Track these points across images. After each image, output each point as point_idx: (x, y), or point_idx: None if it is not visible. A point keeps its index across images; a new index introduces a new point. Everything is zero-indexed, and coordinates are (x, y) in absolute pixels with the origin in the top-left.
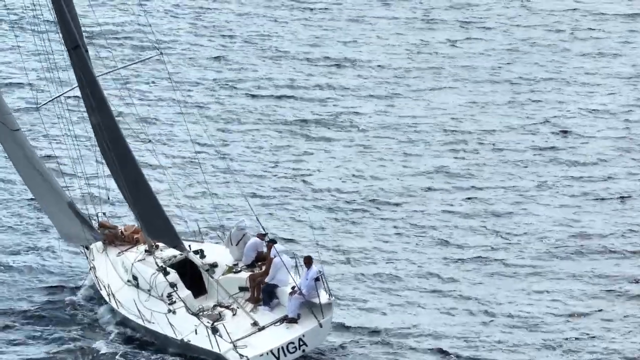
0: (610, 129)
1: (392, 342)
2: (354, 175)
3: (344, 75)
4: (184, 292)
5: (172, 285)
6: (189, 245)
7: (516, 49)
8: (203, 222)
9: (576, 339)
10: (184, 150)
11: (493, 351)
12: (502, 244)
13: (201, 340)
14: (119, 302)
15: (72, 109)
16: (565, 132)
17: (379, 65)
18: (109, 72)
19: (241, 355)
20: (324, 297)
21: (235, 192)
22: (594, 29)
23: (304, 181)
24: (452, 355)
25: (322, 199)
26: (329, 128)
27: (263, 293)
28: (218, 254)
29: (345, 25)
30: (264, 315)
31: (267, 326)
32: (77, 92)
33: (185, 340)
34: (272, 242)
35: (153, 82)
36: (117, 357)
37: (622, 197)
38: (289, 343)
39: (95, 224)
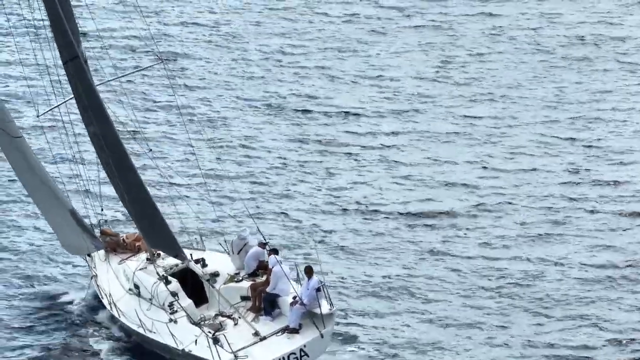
0: None
1: (393, 353)
2: (380, 189)
3: (362, 89)
4: (186, 301)
5: (174, 294)
6: (191, 254)
7: (545, 63)
8: (204, 231)
9: None
10: (184, 159)
11: None
12: (535, 267)
13: (202, 350)
14: (120, 311)
15: (71, 118)
16: (598, 149)
17: (403, 79)
18: (110, 80)
19: None
20: (325, 308)
21: (237, 203)
22: (621, 43)
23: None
24: None
25: (331, 210)
26: (332, 142)
27: (264, 302)
28: (220, 262)
29: (367, 37)
30: (266, 325)
31: (269, 336)
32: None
33: (187, 350)
34: (274, 251)
35: (155, 91)
36: None
37: None
38: (291, 353)
39: (97, 232)
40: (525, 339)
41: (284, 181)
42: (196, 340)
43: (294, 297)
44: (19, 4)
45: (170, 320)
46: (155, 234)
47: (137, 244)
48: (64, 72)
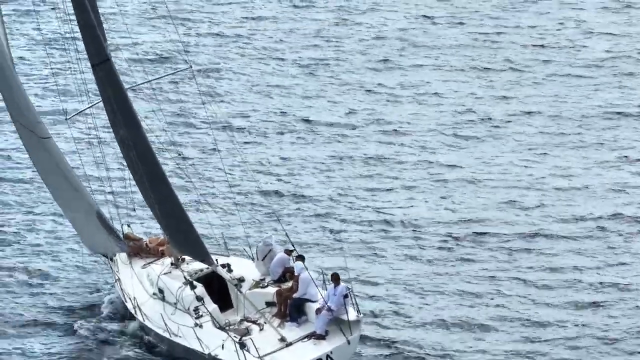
0: None
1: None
2: (419, 205)
3: (404, 104)
4: (211, 306)
5: (199, 299)
6: (216, 259)
7: (589, 77)
8: (229, 237)
9: None
10: (212, 164)
11: None
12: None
13: (229, 354)
14: (144, 315)
15: (100, 122)
16: None
17: (446, 94)
18: (139, 85)
19: None
20: (352, 314)
21: (263, 210)
22: None
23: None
24: None
25: (365, 221)
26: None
27: (290, 308)
28: (244, 268)
29: (405, 50)
30: (291, 331)
31: (295, 342)
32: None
33: (213, 354)
34: (300, 258)
35: (183, 98)
36: None
37: None
38: (317, 359)
39: (120, 236)
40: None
41: (313, 191)
42: (223, 345)
43: (321, 304)
44: (51, 8)
45: (196, 324)
46: (183, 239)
47: (160, 248)
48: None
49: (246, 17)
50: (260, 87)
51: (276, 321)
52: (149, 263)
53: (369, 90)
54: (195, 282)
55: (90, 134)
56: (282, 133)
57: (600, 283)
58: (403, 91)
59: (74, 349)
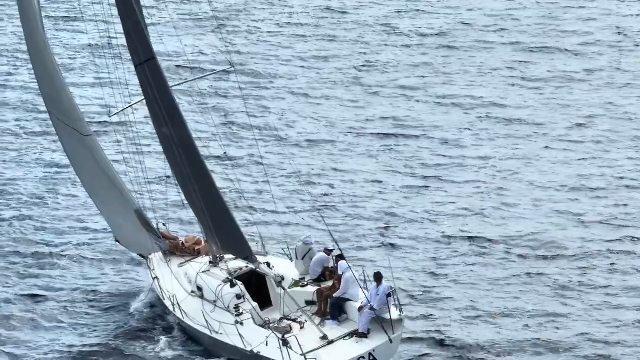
0: None
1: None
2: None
3: (453, 110)
4: (251, 304)
5: (239, 296)
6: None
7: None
8: (267, 237)
9: None
10: (253, 163)
11: None
12: None
13: (272, 351)
14: (184, 312)
15: (143, 119)
16: None
17: (493, 100)
18: (183, 83)
19: None
20: (395, 313)
21: (305, 208)
22: None
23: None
24: None
25: (416, 226)
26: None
27: (332, 307)
28: (284, 267)
29: (450, 55)
30: (333, 330)
31: (337, 340)
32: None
33: (255, 351)
34: (341, 257)
35: (225, 96)
36: None
37: None
38: (360, 357)
39: (159, 234)
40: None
41: (356, 192)
42: (266, 342)
43: (363, 303)
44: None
45: (236, 322)
46: (226, 237)
47: (196, 247)
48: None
49: (287, 23)
50: (301, 90)
51: (317, 320)
52: (186, 262)
53: (413, 97)
54: (235, 280)
55: (132, 132)
56: (323, 135)
57: None
58: (451, 98)
59: (112, 345)
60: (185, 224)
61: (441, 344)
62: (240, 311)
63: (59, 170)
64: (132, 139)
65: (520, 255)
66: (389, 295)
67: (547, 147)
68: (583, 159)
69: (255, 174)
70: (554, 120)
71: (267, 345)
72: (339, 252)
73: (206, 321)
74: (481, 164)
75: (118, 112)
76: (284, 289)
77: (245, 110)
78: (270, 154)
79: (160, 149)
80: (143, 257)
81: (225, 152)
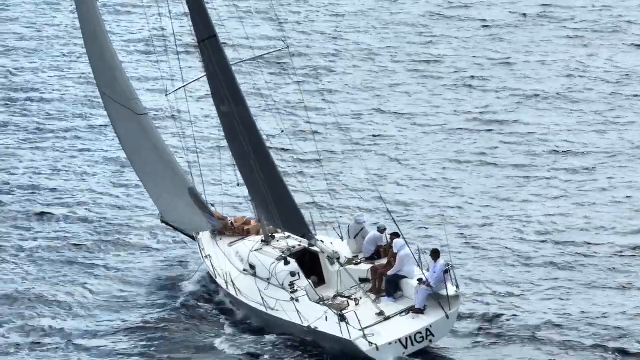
0: None
1: (520, 335)
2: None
3: (522, 102)
4: (305, 281)
5: (293, 274)
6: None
7: None
8: (317, 215)
9: None
10: (307, 142)
11: None
12: None
13: (330, 327)
14: (238, 289)
15: (197, 98)
16: None
17: (565, 93)
18: (237, 63)
19: (371, 343)
20: (452, 289)
21: (358, 187)
22: None
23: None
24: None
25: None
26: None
27: (387, 284)
28: (336, 246)
29: (515, 46)
30: (388, 306)
31: (393, 316)
32: (204, 82)
33: (313, 327)
34: (395, 235)
35: (279, 74)
36: (237, 342)
37: None
38: (417, 333)
39: (212, 213)
40: None
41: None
42: (325, 317)
43: (420, 279)
44: None
45: (292, 299)
46: (285, 214)
47: (245, 227)
48: (191, 53)
49: (345, 13)
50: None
51: (372, 297)
52: (237, 241)
53: (477, 89)
54: (289, 258)
55: (187, 111)
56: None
57: None
58: (516, 90)
59: (165, 324)
60: (236, 204)
61: (494, 320)
62: (295, 288)
63: (106, 155)
64: (186, 118)
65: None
66: (446, 271)
67: (625, 138)
68: None
69: (310, 154)
70: (633, 119)
71: (325, 320)
72: (394, 230)
73: (261, 298)
74: (556, 158)
75: (174, 91)
76: (341, 264)
77: (297, 88)
78: (323, 133)
79: (214, 128)
80: (191, 237)
81: (282, 131)
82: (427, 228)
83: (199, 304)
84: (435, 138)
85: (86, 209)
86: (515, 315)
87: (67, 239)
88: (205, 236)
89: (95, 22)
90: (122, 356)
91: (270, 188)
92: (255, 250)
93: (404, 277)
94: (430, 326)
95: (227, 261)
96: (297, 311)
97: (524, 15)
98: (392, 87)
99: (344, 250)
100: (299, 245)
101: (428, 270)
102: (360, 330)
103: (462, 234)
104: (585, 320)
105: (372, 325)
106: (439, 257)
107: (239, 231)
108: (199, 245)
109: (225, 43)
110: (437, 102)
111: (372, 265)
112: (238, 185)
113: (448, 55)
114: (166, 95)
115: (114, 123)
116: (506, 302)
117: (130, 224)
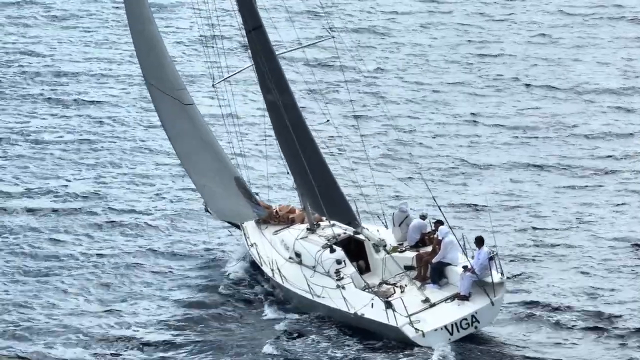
0: None
1: (567, 324)
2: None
3: (581, 104)
4: (351, 268)
5: (339, 262)
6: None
7: None
8: (362, 204)
9: None
10: (351, 130)
11: None
12: None
13: (376, 313)
14: (284, 277)
15: (244, 88)
16: None
17: (619, 94)
18: (283, 53)
19: (417, 330)
20: (497, 276)
21: (403, 175)
22: None
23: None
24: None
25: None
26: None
27: (432, 271)
28: (380, 234)
29: (569, 47)
30: (434, 293)
31: (438, 303)
32: (250, 72)
33: (359, 314)
34: (439, 222)
35: (326, 65)
36: (283, 328)
37: None
38: (462, 319)
39: (258, 201)
40: None
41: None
42: (372, 304)
43: (465, 266)
44: None
45: (338, 286)
46: (332, 202)
47: (290, 216)
48: (239, 43)
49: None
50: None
51: (417, 284)
52: (282, 229)
53: (538, 89)
54: (334, 246)
55: (233, 101)
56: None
57: None
58: (575, 90)
59: (212, 310)
60: (282, 193)
61: (544, 307)
62: (341, 276)
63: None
64: (233, 108)
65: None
66: (491, 258)
67: None
68: None
69: (354, 143)
70: None
71: (371, 307)
72: (438, 219)
73: (308, 285)
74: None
75: (221, 81)
76: (387, 252)
77: (344, 80)
78: (370, 122)
79: (260, 118)
80: (236, 225)
81: (327, 120)
82: (470, 218)
83: (244, 291)
84: (475, 131)
85: (130, 198)
86: (565, 306)
87: (111, 227)
88: (250, 224)
89: (143, 12)
90: (167, 342)
91: (316, 177)
92: (301, 238)
93: (449, 264)
94: (476, 313)
95: (272, 249)
96: (344, 298)
97: (580, 15)
98: (439, 77)
99: (389, 238)
100: (344, 233)
101: (472, 257)
102: (406, 317)
103: (508, 224)
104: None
105: (418, 312)
106: (483, 244)
107: (284, 219)
108: (244, 234)
109: (272, 32)
110: (495, 102)
111: (417, 253)
112: (288, 174)
113: (502, 55)
114: (213, 85)
115: (159, 113)
116: (555, 292)
117: (175, 212)
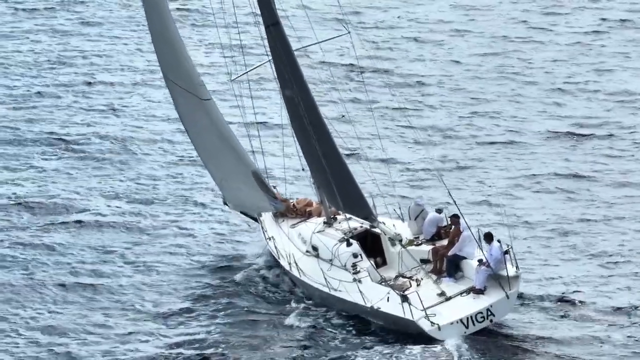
0: None
1: (579, 316)
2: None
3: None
4: (367, 262)
5: (356, 255)
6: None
7: None
8: (378, 198)
9: None
10: (369, 126)
11: None
12: None
13: (393, 307)
14: (301, 270)
15: (262, 83)
16: None
17: None
18: (300, 49)
19: (433, 323)
20: (512, 270)
21: (418, 168)
22: None
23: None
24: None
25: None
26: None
27: (448, 265)
28: (397, 227)
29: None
30: (449, 286)
31: (454, 296)
32: (267, 67)
33: (375, 307)
34: (456, 216)
35: (340, 61)
36: (301, 321)
37: None
38: (478, 313)
39: (276, 195)
40: None
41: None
42: (387, 298)
43: (480, 260)
44: None
45: (354, 280)
46: (348, 196)
47: (307, 209)
48: (256, 38)
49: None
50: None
51: (433, 277)
52: (299, 222)
53: (581, 94)
54: (351, 240)
55: (251, 96)
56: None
57: None
58: (613, 97)
59: (229, 301)
60: (299, 187)
61: (556, 303)
62: (358, 269)
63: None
64: (251, 103)
65: None
66: (506, 252)
67: None
68: None
69: (371, 139)
70: None
71: (387, 301)
72: (454, 213)
73: (324, 279)
74: None
75: (239, 76)
76: (403, 246)
77: (360, 75)
78: (385, 118)
79: (278, 112)
80: (253, 219)
81: (343, 115)
82: (484, 212)
83: (262, 284)
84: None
85: (146, 196)
86: (581, 298)
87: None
88: (267, 218)
89: (161, 7)
90: (187, 333)
91: (333, 171)
92: (318, 232)
93: (465, 257)
94: (491, 306)
95: (289, 243)
96: (360, 292)
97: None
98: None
99: (405, 231)
100: (361, 226)
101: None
102: (422, 310)
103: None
104: None
105: (434, 306)
106: (492, 240)
107: (301, 213)
108: (262, 227)
109: (290, 28)
110: (535, 107)
111: (433, 246)
112: (303, 169)
113: (540, 60)
114: (231, 80)
115: (177, 108)
116: (570, 282)
117: (192, 206)
